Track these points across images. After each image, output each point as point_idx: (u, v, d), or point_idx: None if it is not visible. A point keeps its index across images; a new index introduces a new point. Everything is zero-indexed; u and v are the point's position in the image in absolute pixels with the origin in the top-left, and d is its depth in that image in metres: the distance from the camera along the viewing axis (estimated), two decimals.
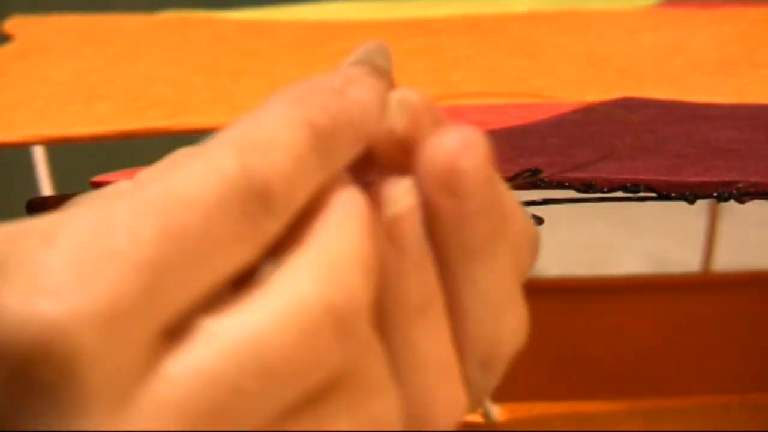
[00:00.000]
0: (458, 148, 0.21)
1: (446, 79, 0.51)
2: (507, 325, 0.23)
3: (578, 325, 0.78)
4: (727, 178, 0.35)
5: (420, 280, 0.22)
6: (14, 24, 0.61)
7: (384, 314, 0.22)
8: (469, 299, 0.22)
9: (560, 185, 0.36)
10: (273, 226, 0.20)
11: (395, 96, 0.22)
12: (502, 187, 0.23)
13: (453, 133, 0.22)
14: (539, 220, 0.36)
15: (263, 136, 0.20)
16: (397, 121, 0.22)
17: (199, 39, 0.58)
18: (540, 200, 0.35)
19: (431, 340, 0.22)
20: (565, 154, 0.38)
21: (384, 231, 0.21)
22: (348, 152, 0.21)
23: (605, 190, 0.35)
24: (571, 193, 0.35)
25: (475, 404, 0.24)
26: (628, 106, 0.43)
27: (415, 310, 0.22)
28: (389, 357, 0.22)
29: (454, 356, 0.23)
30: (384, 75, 0.23)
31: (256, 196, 0.19)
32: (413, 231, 0.21)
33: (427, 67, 0.53)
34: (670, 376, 0.77)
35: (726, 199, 0.34)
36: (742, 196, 0.34)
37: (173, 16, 0.66)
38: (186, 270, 0.19)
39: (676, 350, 0.77)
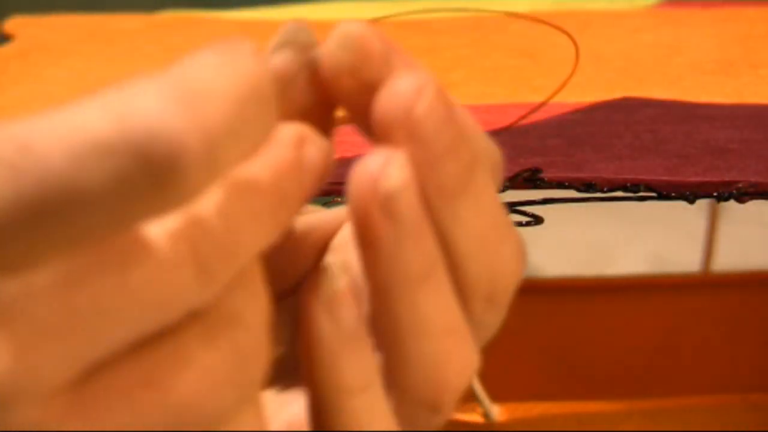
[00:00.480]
0: (410, 97, 0.21)
1: (446, 79, 0.51)
2: (504, 256, 0.23)
3: (578, 325, 0.78)
4: (727, 178, 0.35)
5: (419, 249, 0.21)
6: (14, 24, 0.61)
7: (384, 285, 0.21)
8: (460, 240, 0.22)
9: (560, 185, 0.35)
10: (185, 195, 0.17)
11: (338, 31, 0.22)
12: (461, 115, 0.22)
13: (402, 81, 0.21)
14: (539, 220, 0.36)
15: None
16: (342, 57, 0.21)
17: (199, 39, 0.58)
18: (540, 200, 0.35)
19: (436, 306, 0.22)
20: (565, 154, 0.38)
21: (379, 206, 0.20)
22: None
23: (605, 190, 0.35)
24: (571, 193, 0.35)
25: (483, 342, 0.23)
26: (628, 106, 0.43)
27: (417, 279, 0.21)
28: (395, 326, 0.21)
29: (461, 317, 0.22)
30: (310, 49, 0.23)
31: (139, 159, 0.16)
32: (409, 204, 0.21)
33: (427, 67, 0.53)
34: (670, 376, 0.77)
35: (726, 199, 0.34)
36: (742, 196, 0.34)
37: (173, 16, 0.66)
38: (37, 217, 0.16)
39: (676, 350, 0.77)
